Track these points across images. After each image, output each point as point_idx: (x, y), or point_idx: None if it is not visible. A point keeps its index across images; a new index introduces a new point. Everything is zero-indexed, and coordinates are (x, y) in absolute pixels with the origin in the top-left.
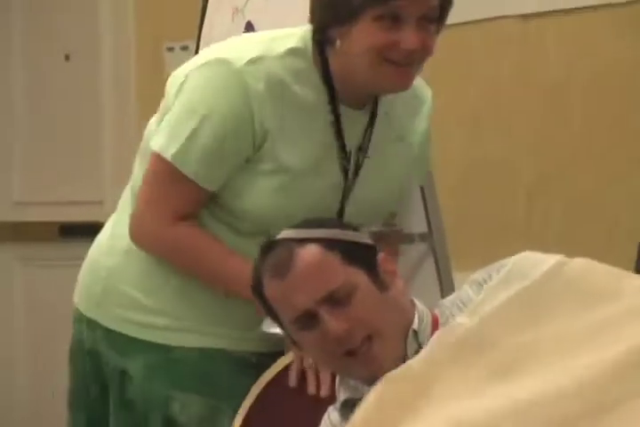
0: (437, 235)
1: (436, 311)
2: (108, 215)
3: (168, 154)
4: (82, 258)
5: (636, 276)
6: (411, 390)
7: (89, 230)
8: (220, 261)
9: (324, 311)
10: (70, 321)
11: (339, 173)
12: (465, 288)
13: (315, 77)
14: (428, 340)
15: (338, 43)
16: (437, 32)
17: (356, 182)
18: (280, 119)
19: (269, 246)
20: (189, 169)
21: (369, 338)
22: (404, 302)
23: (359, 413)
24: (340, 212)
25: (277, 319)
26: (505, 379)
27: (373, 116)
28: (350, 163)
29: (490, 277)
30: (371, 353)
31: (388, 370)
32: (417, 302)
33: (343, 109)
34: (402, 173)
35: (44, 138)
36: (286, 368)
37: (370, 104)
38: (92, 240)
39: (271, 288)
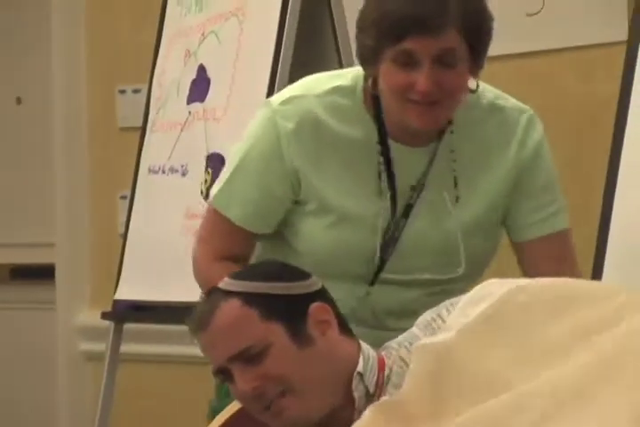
0: None
1: (383, 353)
2: (59, 257)
3: (212, 197)
4: (33, 301)
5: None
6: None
7: (40, 273)
8: None
9: (236, 369)
10: (19, 361)
11: (386, 213)
12: (412, 330)
13: (362, 115)
14: (374, 383)
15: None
16: (472, 70)
17: (404, 223)
18: (316, 158)
19: (208, 294)
20: (228, 212)
21: (282, 393)
22: (340, 351)
23: None
24: (384, 253)
25: None
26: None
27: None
28: (397, 204)
29: (439, 316)
30: (280, 407)
31: (299, 425)
32: (363, 344)
33: (396, 147)
34: (468, 216)
35: None
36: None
37: (435, 142)
38: (43, 283)
39: (198, 341)
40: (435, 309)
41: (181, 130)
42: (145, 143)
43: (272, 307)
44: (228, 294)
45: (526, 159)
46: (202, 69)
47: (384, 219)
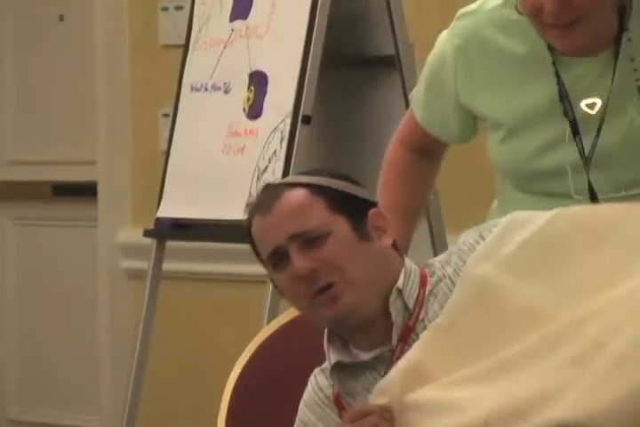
0: (431, 197)
1: (426, 270)
2: (101, 175)
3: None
4: (74, 218)
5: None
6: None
7: (82, 190)
8: (384, 184)
9: (293, 249)
10: (61, 279)
11: (562, 130)
12: (457, 248)
13: (529, 28)
14: (414, 299)
15: None
16: None
17: (595, 142)
18: (482, 74)
19: (263, 189)
20: (416, 111)
21: (336, 282)
22: (389, 259)
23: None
24: (576, 172)
25: (262, 261)
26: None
27: (614, 62)
28: (575, 117)
29: (481, 236)
30: (335, 294)
31: (351, 315)
32: (408, 261)
33: (565, 59)
34: None
35: (37, 98)
36: (282, 328)
37: (609, 49)
38: (85, 200)
39: (255, 225)
40: (477, 228)
41: (224, 47)
42: (187, 61)
43: (337, 200)
44: (294, 185)
45: None
46: None
47: (562, 136)
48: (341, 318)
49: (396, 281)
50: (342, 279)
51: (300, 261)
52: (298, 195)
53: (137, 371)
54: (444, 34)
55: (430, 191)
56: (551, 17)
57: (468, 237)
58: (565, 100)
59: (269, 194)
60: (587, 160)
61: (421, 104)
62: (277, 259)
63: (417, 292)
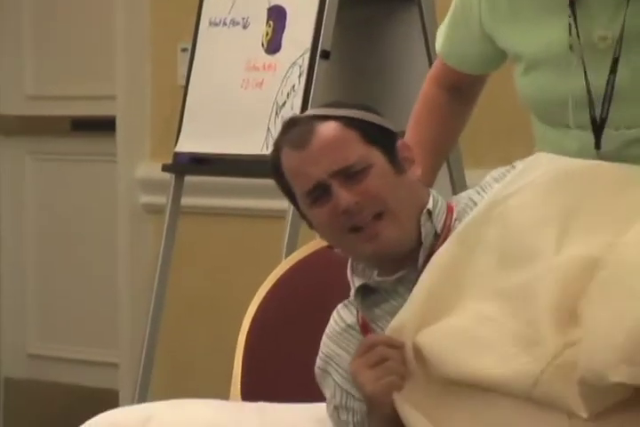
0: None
1: (453, 201)
2: (120, 110)
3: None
4: (92, 153)
5: None
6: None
7: (101, 125)
8: (413, 118)
9: (336, 184)
10: (79, 214)
11: (577, 65)
12: (486, 180)
13: None
14: (441, 224)
15: None
16: None
17: (613, 79)
18: (507, 5)
19: (291, 123)
20: (437, 45)
21: (379, 215)
22: (419, 188)
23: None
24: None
25: (291, 196)
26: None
27: None
28: (584, 55)
29: (504, 175)
30: (377, 229)
31: (392, 249)
32: (433, 191)
33: None
34: None
35: (56, 33)
36: (299, 263)
37: None
38: (104, 135)
39: (288, 160)
40: (500, 169)
41: None
42: None
43: (370, 132)
44: (324, 118)
45: None
46: None
47: (577, 71)
48: (384, 251)
49: (424, 207)
50: (386, 212)
51: (344, 196)
52: (331, 128)
53: (155, 306)
54: None
55: (460, 131)
56: None
57: (497, 171)
58: (574, 33)
59: (301, 128)
60: (589, 93)
61: (443, 35)
62: (317, 194)
63: (444, 217)
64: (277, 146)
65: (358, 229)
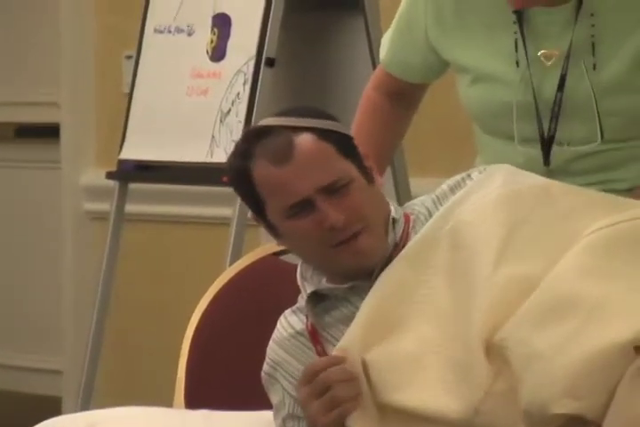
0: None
1: (407, 210)
2: (64, 117)
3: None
4: (37, 160)
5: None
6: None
7: (45, 132)
8: (356, 123)
9: (320, 199)
10: (23, 220)
11: (524, 81)
12: (441, 188)
13: None
14: (400, 233)
15: None
16: None
17: (560, 96)
18: (452, 18)
19: (262, 132)
20: (381, 55)
21: (363, 229)
22: (383, 197)
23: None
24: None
25: (256, 204)
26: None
27: (575, 15)
28: (530, 71)
29: (469, 176)
30: (361, 243)
31: (373, 260)
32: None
33: (528, 10)
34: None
35: (0, 39)
36: (244, 271)
37: (571, 2)
38: (48, 142)
39: (267, 173)
40: (456, 177)
41: None
42: (150, 3)
43: (342, 144)
44: (297, 129)
45: None
46: None
47: (524, 87)
48: (366, 264)
49: (389, 215)
50: (366, 226)
51: (332, 213)
52: (309, 141)
53: (99, 313)
54: None
55: (402, 135)
56: None
57: (455, 177)
58: (521, 50)
59: (277, 139)
60: (537, 109)
61: (387, 44)
62: (299, 209)
63: (402, 227)
64: (248, 154)
65: (342, 243)
